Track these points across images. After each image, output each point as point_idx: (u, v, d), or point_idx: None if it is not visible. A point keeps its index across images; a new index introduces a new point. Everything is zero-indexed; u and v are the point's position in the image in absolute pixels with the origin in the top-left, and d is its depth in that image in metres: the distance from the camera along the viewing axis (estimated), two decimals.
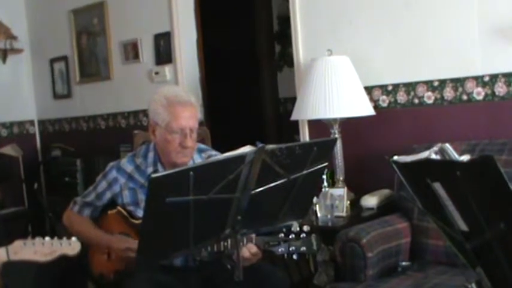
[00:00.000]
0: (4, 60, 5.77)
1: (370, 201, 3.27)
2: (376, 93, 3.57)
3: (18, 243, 1.90)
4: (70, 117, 5.69)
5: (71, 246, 1.95)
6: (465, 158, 1.30)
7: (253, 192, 1.85)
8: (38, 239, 1.92)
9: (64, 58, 5.62)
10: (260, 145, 1.78)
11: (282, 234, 2.26)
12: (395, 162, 1.44)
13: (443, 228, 1.48)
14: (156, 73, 4.73)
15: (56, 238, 1.94)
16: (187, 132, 2.51)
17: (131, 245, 2.47)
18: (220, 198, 1.76)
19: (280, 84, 6.19)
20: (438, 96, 3.34)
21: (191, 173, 1.65)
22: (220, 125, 4.67)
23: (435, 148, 1.36)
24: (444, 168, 1.34)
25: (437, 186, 1.36)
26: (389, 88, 3.52)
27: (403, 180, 1.51)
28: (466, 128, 3.22)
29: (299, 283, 3.55)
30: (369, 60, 3.53)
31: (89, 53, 5.38)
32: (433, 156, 1.36)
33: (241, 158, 1.75)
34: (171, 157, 2.54)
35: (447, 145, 1.36)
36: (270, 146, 1.81)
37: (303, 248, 2.24)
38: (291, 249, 2.23)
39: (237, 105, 6.03)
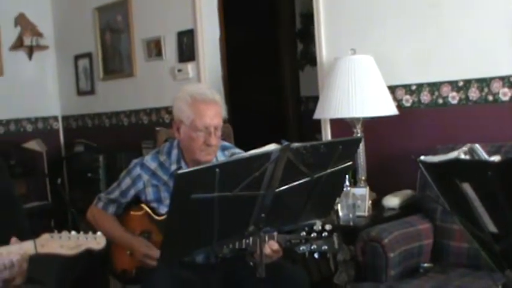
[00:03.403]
0: (30, 56, 5.84)
1: (392, 201, 3.26)
2: (400, 92, 3.55)
3: (45, 237, 1.91)
4: (93, 113, 5.74)
5: (96, 241, 1.95)
6: (496, 158, 1.29)
7: (277, 190, 1.85)
8: (64, 233, 1.93)
9: (88, 55, 5.68)
10: (285, 143, 1.78)
11: (304, 233, 2.26)
12: (423, 162, 1.44)
13: (471, 230, 1.47)
14: (179, 70, 4.75)
15: (81, 232, 1.96)
16: (211, 131, 2.52)
17: (151, 252, 2.50)
18: (245, 195, 1.76)
19: (302, 83, 6.18)
20: (463, 96, 3.31)
21: (217, 169, 1.65)
22: (242, 123, 4.67)
23: (464, 148, 1.35)
24: (474, 168, 1.33)
25: (467, 187, 1.35)
26: (413, 88, 3.50)
27: (430, 180, 1.50)
28: (491, 129, 3.19)
29: (319, 282, 3.55)
30: (393, 59, 3.51)
31: (113, 50, 5.42)
32: (462, 156, 1.35)
33: (267, 155, 1.76)
34: (195, 155, 2.55)
35: (477, 145, 1.35)
36: (295, 144, 1.81)
37: (325, 247, 2.24)
38: (312, 247, 2.23)
39: (259, 104, 6.03)
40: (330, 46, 3.83)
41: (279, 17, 6.16)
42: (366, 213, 3.19)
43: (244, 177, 1.73)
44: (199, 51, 4.60)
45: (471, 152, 1.35)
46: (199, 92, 2.58)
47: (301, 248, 2.24)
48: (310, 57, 5.78)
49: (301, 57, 6.20)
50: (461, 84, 3.31)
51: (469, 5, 3.26)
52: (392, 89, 3.49)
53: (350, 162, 2.04)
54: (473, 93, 3.27)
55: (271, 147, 1.80)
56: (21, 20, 5.78)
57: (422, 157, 1.47)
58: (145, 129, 5.02)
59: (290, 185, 1.86)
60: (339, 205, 3.17)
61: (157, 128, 4.36)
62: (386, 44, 3.55)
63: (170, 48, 4.85)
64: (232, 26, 4.88)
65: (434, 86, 3.42)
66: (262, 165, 1.75)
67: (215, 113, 2.54)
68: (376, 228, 2.85)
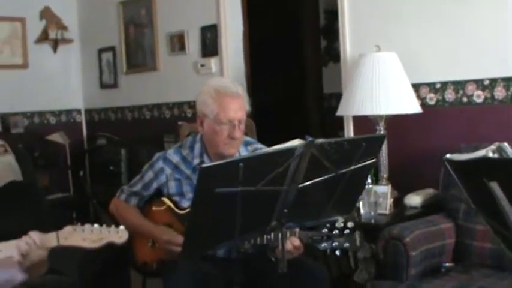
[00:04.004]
0: (55, 50, 5.89)
1: (414, 200, 3.24)
2: (424, 90, 3.52)
3: (68, 229, 1.92)
4: (116, 107, 5.77)
5: (119, 235, 1.96)
6: None
7: (300, 185, 1.85)
8: (87, 226, 1.94)
9: (112, 49, 5.70)
10: (309, 139, 1.77)
11: (326, 229, 2.26)
12: (448, 160, 1.42)
13: (497, 229, 1.46)
14: (202, 65, 4.76)
15: (104, 226, 1.96)
16: (235, 124, 2.52)
17: (174, 238, 2.50)
18: (268, 190, 1.76)
19: (325, 80, 6.15)
20: (488, 95, 3.28)
21: (241, 164, 1.65)
22: (264, 119, 4.67)
23: (492, 147, 1.33)
24: (503, 167, 1.31)
25: (494, 186, 1.33)
26: (438, 86, 3.47)
27: (456, 179, 1.49)
28: None
29: (338, 279, 3.53)
30: (417, 57, 3.48)
31: (136, 44, 5.44)
32: (490, 154, 1.33)
33: (291, 151, 1.75)
34: (219, 148, 2.56)
35: (505, 144, 1.33)
36: (319, 140, 1.80)
37: (346, 244, 2.24)
38: (333, 245, 2.23)
39: (281, 100, 6.02)
40: (354, 43, 3.81)
41: (303, 13, 6.14)
42: (388, 212, 3.18)
43: (267, 172, 1.73)
44: (223, 46, 4.61)
45: (499, 150, 1.33)
46: (223, 85, 2.59)
47: (322, 245, 2.24)
48: (333, 54, 5.76)
49: (325, 53, 6.18)
50: (486, 83, 3.28)
51: (496, 1, 3.22)
52: (416, 86, 3.46)
53: (373, 160, 2.03)
54: (499, 92, 3.24)
55: (296, 142, 1.79)
56: (46, 14, 5.83)
57: (448, 155, 1.46)
58: (167, 124, 5.03)
59: (313, 180, 1.85)
60: (361, 203, 3.15)
61: (180, 123, 4.37)
62: (411, 41, 3.53)
63: (193, 43, 4.86)
64: (255, 21, 4.87)
65: (459, 85, 3.39)
66: (286, 160, 1.74)
67: (239, 107, 2.55)
68: (398, 227, 2.84)
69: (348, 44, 3.84)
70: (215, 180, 1.68)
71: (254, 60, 4.83)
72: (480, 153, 1.36)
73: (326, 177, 1.88)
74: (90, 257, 2.59)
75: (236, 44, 4.66)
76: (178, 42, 4.98)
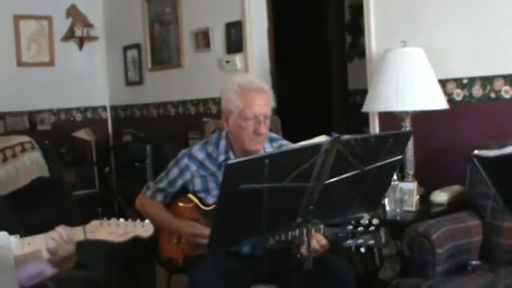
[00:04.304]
0: (81, 47, 5.94)
1: (441, 196, 3.21)
2: (450, 86, 3.48)
3: (94, 223, 1.94)
4: (141, 103, 5.80)
5: (144, 228, 1.97)
6: None
7: (326, 182, 1.84)
8: (113, 220, 1.95)
9: (137, 46, 5.74)
10: (336, 135, 1.77)
11: (351, 226, 2.24)
12: (477, 156, 1.41)
13: None
14: (227, 62, 4.76)
15: (130, 220, 1.97)
16: (261, 119, 2.52)
17: (200, 231, 2.51)
18: (294, 187, 1.76)
19: (350, 76, 6.12)
20: None
21: (266, 160, 1.65)
22: (289, 116, 4.66)
23: None
24: None
25: None
26: (465, 81, 3.44)
27: (484, 175, 1.47)
28: None
29: (363, 276, 3.52)
30: (444, 52, 3.44)
31: (161, 41, 5.47)
32: None
33: (317, 147, 1.75)
34: (244, 144, 2.56)
35: None
36: (346, 137, 1.80)
37: (371, 242, 2.23)
38: (359, 241, 2.22)
39: (306, 96, 6.00)
40: (379, 38, 3.78)
41: (327, 8, 6.12)
42: (414, 208, 3.16)
43: (293, 169, 1.72)
44: (247, 42, 4.61)
45: None
46: (247, 81, 2.59)
47: (347, 242, 2.23)
48: (358, 50, 5.73)
49: (350, 49, 6.15)
50: None
51: None
52: (442, 82, 3.43)
53: (400, 156, 2.01)
54: None
55: (321, 139, 1.79)
56: (72, 12, 5.88)
57: (476, 152, 1.44)
58: (192, 120, 5.05)
59: (339, 177, 1.84)
60: (386, 199, 3.14)
61: (205, 119, 4.37)
62: (437, 36, 3.49)
63: (218, 40, 4.87)
64: (280, 17, 4.86)
65: (486, 80, 3.35)
66: (312, 156, 1.74)
67: (264, 102, 2.55)
68: (424, 224, 2.81)
69: (373, 40, 3.82)
70: (240, 176, 1.68)
71: (279, 57, 4.82)
72: (509, 149, 1.34)
73: (352, 173, 1.87)
74: (117, 251, 2.61)
75: (261, 40, 4.66)
76: (203, 39, 5.00)
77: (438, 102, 3.27)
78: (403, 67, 3.22)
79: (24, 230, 2.00)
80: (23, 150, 3.12)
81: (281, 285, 2.61)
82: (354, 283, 2.50)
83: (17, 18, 5.59)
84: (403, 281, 2.80)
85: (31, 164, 3.10)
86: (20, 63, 5.64)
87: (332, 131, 1.80)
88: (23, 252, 1.88)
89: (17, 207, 2.21)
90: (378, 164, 1.91)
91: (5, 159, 3.07)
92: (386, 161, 1.93)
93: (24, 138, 3.21)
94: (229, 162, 1.71)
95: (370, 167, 1.89)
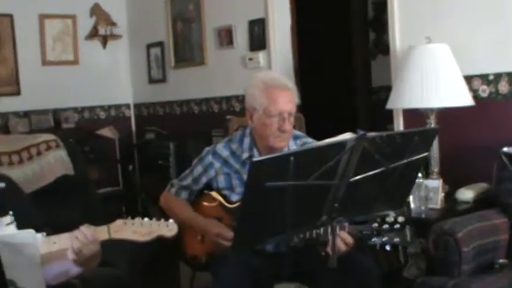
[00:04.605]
0: (104, 45, 5.99)
1: (466, 194, 3.18)
2: (476, 83, 3.44)
3: (119, 222, 1.94)
4: (164, 101, 5.83)
5: (168, 228, 1.97)
6: None
7: (351, 179, 1.82)
8: (137, 219, 1.95)
9: (160, 44, 5.76)
10: (361, 132, 1.75)
11: (376, 224, 2.23)
12: (506, 153, 1.39)
13: None
14: (250, 59, 4.76)
15: (154, 219, 1.98)
16: (285, 116, 2.51)
17: (224, 232, 2.51)
18: (319, 184, 1.75)
19: (373, 73, 6.09)
20: None
21: (292, 158, 1.64)
22: (312, 113, 4.64)
23: None
24: None
25: None
26: (491, 78, 3.39)
27: None
28: None
29: (387, 274, 3.50)
30: (470, 48, 3.41)
31: (184, 38, 5.49)
32: None
33: (342, 144, 1.73)
34: (269, 141, 2.55)
35: None
36: (371, 134, 1.78)
37: (397, 239, 2.20)
38: (384, 239, 2.20)
39: (329, 94, 5.98)
40: (403, 34, 3.75)
41: (350, 5, 6.09)
42: (439, 206, 3.13)
43: (318, 166, 1.71)
44: (271, 40, 4.61)
45: None
46: (271, 78, 2.58)
47: (372, 240, 2.21)
48: (382, 47, 5.69)
49: (373, 46, 6.11)
50: None
51: None
52: (468, 78, 3.39)
53: (426, 153, 1.99)
54: None
55: (347, 136, 1.77)
56: (96, 10, 5.93)
57: (505, 148, 1.42)
58: (215, 118, 5.06)
59: (365, 174, 1.83)
60: (411, 197, 3.11)
61: (228, 117, 4.39)
62: (462, 32, 3.45)
63: (241, 37, 4.87)
64: (303, 14, 4.85)
65: None
66: (337, 154, 1.73)
67: (288, 99, 2.54)
68: (450, 222, 2.78)
69: (397, 36, 3.79)
70: (266, 174, 1.67)
71: (302, 54, 4.80)
72: None
73: (377, 171, 1.85)
74: (141, 250, 2.62)
75: (284, 37, 4.65)
76: (226, 37, 5.00)
77: (464, 98, 3.23)
78: (428, 63, 3.19)
79: (49, 227, 2.01)
80: (48, 148, 3.15)
81: (305, 283, 2.60)
82: (378, 281, 2.48)
83: (42, 17, 5.66)
84: (428, 280, 2.77)
85: (56, 162, 3.13)
86: (44, 62, 5.71)
87: (357, 129, 1.78)
88: (48, 251, 1.89)
89: (41, 204, 2.23)
90: (404, 161, 1.89)
91: (30, 157, 3.10)
92: (412, 159, 1.91)
93: (49, 136, 3.23)
94: (255, 159, 1.71)
95: (396, 164, 1.88)
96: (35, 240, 1.76)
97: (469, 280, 2.61)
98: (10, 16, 5.49)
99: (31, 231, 1.76)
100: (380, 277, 2.51)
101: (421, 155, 1.95)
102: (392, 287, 3.19)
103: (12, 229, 1.93)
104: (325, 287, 2.44)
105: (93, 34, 5.93)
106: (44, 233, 1.92)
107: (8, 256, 1.64)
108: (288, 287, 2.60)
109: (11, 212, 1.98)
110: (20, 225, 1.95)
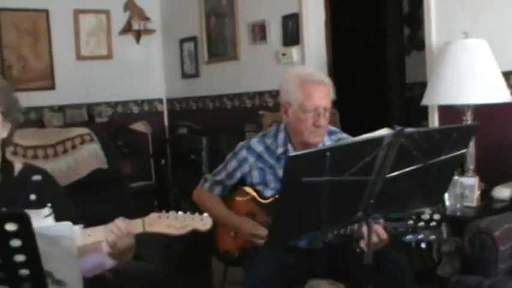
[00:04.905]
0: (138, 40, 6.03)
1: (503, 192, 3.13)
2: None
3: (153, 216, 1.94)
4: (197, 96, 5.85)
5: (203, 222, 1.96)
6: None
7: (388, 176, 1.80)
8: (171, 213, 1.95)
9: (193, 39, 5.78)
10: (398, 128, 1.73)
11: (411, 221, 2.20)
12: None
13: None
14: (283, 54, 4.75)
15: (188, 213, 1.97)
16: (320, 112, 2.50)
17: (258, 231, 2.51)
18: (355, 180, 1.73)
19: (408, 69, 6.03)
20: None
21: (328, 153, 1.63)
22: (346, 109, 4.62)
23: None
24: None
25: None
26: None
27: None
28: None
29: (420, 272, 3.46)
30: (508, 43, 3.35)
31: (217, 33, 5.49)
32: None
33: (379, 140, 1.71)
34: (304, 136, 2.54)
35: None
36: (409, 130, 1.76)
37: (432, 237, 2.18)
38: (419, 237, 2.17)
39: (364, 90, 5.94)
40: (440, 30, 3.70)
41: (385, 1, 6.04)
42: (475, 204, 3.09)
43: (354, 162, 1.69)
44: (304, 35, 4.59)
45: None
46: (307, 73, 2.57)
47: (407, 237, 2.19)
48: (417, 42, 5.63)
49: (408, 41, 6.05)
50: None
51: None
52: (506, 75, 3.32)
53: (464, 150, 1.96)
54: None
55: (384, 132, 1.75)
56: (130, 5, 5.97)
57: None
58: (248, 113, 5.06)
59: (402, 171, 1.81)
60: (446, 194, 3.07)
61: (260, 112, 4.38)
62: (501, 27, 3.39)
63: (274, 32, 4.86)
64: (337, 9, 4.81)
65: None
66: (374, 150, 1.71)
67: (324, 94, 2.52)
68: (486, 220, 2.74)
69: (433, 31, 3.74)
70: (301, 169, 1.66)
71: (336, 49, 4.77)
72: None
73: (414, 167, 1.83)
74: (175, 244, 2.63)
75: (318, 32, 4.63)
76: (259, 32, 5.00)
77: (501, 95, 3.17)
78: (465, 59, 3.14)
79: (83, 220, 2.03)
80: (82, 142, 3.18)
81: (339, 280, 2.58)
82: (412, 278, 2.46)
83: (77, 12, 5.72)
84: (463, 279, 2.73)
85: (90, 156, 3.15)
86: (79, 57, 5.77)
87: (394, 124, 1.76)
88: (84, 243, 1.90)
89: (75, 198, 2.24)
90: (442, 158, 1.86)
91: (64, 151, 3.13)
92: (450, 155, 1.88)
93: (83, 130, 3.26)
94: (291, 154, 1.70)
95: (434, 160, 1.85)
96: (72, 232, 1.77)
97: (505, 279, 2.57)
98: (46, 11, 5.57)
99: (68, 223, 1.77)
100: (413, 275, 2.49)
101: (460, 152, 1.92)
102: (425, 284, 3.16)
103: (50, 221, 1.94)
104: (359, 284, 2.41)
105: (127, 29, 5.97)
106: (81, 225, 1.94)
107: (46, 248, 1.65)
108: (321, 283, 2.59)
109: (49, 204, 1.99)
110: (57, 218, 1.97)
